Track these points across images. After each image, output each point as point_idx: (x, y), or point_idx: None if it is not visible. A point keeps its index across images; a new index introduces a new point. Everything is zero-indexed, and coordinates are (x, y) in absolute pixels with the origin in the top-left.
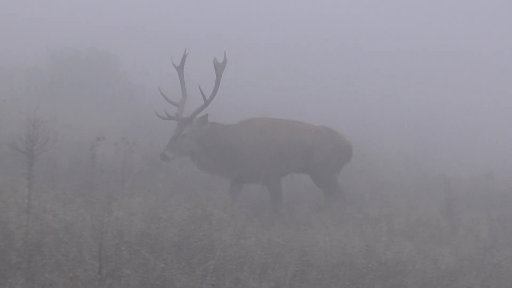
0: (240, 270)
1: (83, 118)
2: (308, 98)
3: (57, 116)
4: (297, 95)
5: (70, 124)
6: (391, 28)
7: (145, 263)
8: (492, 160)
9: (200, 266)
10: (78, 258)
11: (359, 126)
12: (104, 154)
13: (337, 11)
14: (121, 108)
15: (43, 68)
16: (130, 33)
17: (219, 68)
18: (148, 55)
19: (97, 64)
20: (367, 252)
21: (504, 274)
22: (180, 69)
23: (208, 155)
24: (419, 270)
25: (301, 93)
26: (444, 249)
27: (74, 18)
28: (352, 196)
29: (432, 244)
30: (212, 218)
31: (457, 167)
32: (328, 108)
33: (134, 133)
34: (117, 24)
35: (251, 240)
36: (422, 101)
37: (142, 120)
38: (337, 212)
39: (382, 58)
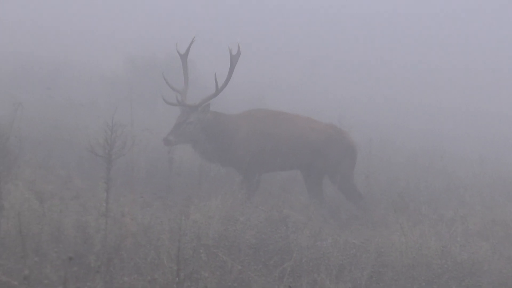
0: (316, 272)
1: (160, 122)
2: (386, 101)
3: (134, 121)
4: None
5: (148, 128)
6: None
7: (222, 265)
8: None
9: (277, 268)
10: (157, 261)
11: (435, 127)
12: (181, 158)
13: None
14: None
15: (120, 73)
16: (206, 38)
17: (233, 59)
18: (223, 60)
19: (173, 69)
20: (442, 253)
21: None
22: (184, 56)
23: (209, 143)
24: (494, 270)
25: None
26: None
27: (151, 25)
28: (428, 197)
29: (508, 244)
30: (288, 220)
31: None
32: (404, 111)
33: None
34: (194, 29)
35: (327, 242)
36: (496, 101)
37: None
38: (412, 213)
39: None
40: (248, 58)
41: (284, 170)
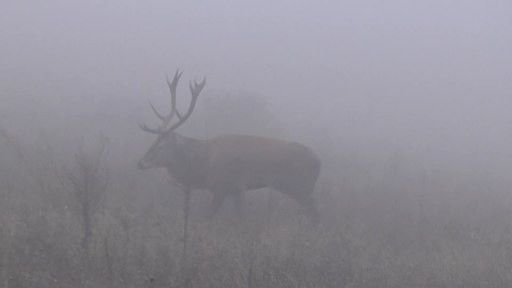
0: None
1: None
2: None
3: None
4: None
5: None
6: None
7: (290, 286)
8: None
9: None
10: (230, 282)
11: (482, 158)
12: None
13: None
14: None
15: (198, 112)
16: (276, 75)
17: (196, 89)
18: (291, 95)
19: (246, 105)
20: (489, 275)
21: None
22: (172, 86)
23: (182, 167)
24: None
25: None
26: None
27: (226, 67)
28: (476, 223)
29: None
30: (350, 245)
31: None
32: (454, 138)
33: None
34: (265, 67)
35: (385, 265)
36: None
37: None
38: (462, 238)
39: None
40: (311, 90)
41: (258, 188)
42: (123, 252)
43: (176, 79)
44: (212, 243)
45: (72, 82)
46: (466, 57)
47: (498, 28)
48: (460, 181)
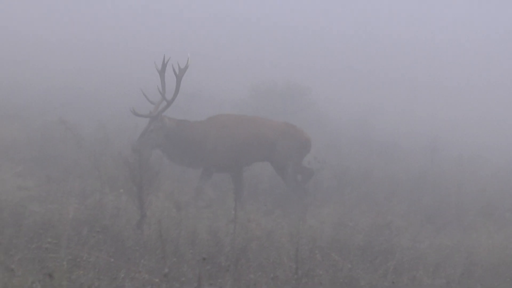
0: (416, 269)
1: None
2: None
3: None
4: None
5: None
6: None
7: (334, 264)
8: None
9: (381, 266)
10: (278, 261)
11: None
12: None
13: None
14: (312, 132)
15: (246, 99)
16: (321, 68)
17: (179, 73)
18: (334, 87)
19: (291, 95)
20: None
21: None
22: (161, 73)
23: (176, 148)
24: None
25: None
26: None
27: (273, 55)
28: (510, 205)
29: None
30: (391, 225)
31: None
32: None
33: (324, 153)
34: (313, 61)
35: (425, 244)
36: None
37: (331, 141)
38: (498, 219)
39: None
40: (355, 82)
41: (249, 165)
42: (176, 233)
43: (164, 65)
44: (260, 224)
45: (127, 77)
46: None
47: None
48: (495, 167)
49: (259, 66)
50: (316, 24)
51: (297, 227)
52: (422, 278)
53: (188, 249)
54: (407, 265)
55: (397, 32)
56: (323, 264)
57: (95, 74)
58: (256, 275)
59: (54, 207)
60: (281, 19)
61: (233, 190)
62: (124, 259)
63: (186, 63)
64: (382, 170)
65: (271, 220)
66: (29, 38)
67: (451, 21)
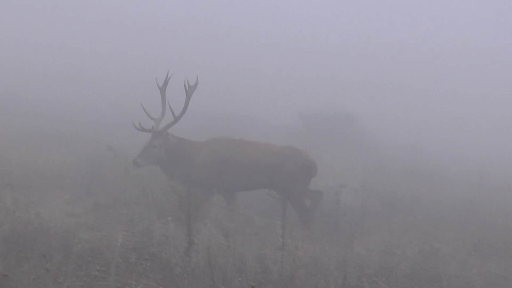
0: None
1: (327, 168)
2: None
3: None
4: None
5: (318, 174)
6: None
7: None
8: None
9: None
10: (324, 287)
11: None
12: (346, 199)
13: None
14: (360, 158)
15: (293, 126)
16: (365, 92)
17: (189, 89)
18: (381, 111)
19: (339, 122)
20: None
21: None
22: (162, 89)
23: (174, 165)
24: None
25: None
26: None
27: (317, 81)
28: None
29: None
30: (438, 253)
31: None
32: None
33: (371, 181)
34: (355, 84)
35: (472, 271)
36: None
37: (378, 169)
38: None
39: None
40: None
41: (251, 190)
42: (224, 260)
43: (166, 82)
44: (308, 251)
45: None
46: None
47: None
48: None
49: (307, 91)
50: (363, 48)
51: (344, 254)
52: None
53: (236, 276)
54: None
55: (445, 56)
56: None
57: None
58: None
59: (102, 234)
60: (329, 44)
61: (281, 218)
62: (172, 287)
63: (196, 80)
64: (429, 197)
65: (318, 248)
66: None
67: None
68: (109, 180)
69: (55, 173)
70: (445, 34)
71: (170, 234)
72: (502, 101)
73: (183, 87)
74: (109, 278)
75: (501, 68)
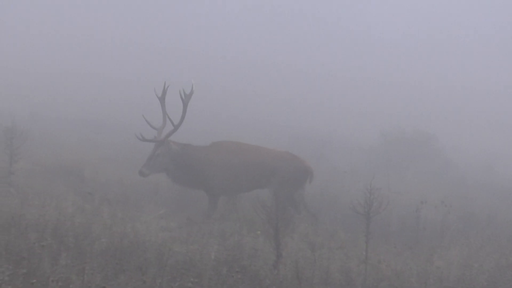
0: None
1: (409, 186)
2: None
3: (389, 185)
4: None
5: (399, 191)
6: None
7: None
8: None
9: None
10: None
11: None
12: (426, 215)
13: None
14: (439, 178)
15: (375, 146)
16: (446, 114)
17: (186, 98)
18: (461, 133)
19: (419, 142)
20: None
21: None
22: (161, 99)
23: (180, 171)
24: None
25: None
26: None
27: (400, 103)
28: None
29: None
30: None
31: None
32: None
33: (450, 198)
34: (436, 106)
35: None
36: None
37: (457, 187)
38: None
39: None
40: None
41: (250, 191)
42: (311, 273)
43: (164, 92)
44: (390, 265)
45: (264, 121)
46: None
47: None
48: None
49: (388, 113)
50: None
51: (425, 267)
52: None
53: (322, 287)
54: None
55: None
56: None
57: (233, 120)
58: None
59: (195, 248)
60: (408, 68)
61: (365, 232)
62: None
63: (191, 89)
64: (505, 214)
65: (400, 261)
66: None
67: None
68: (200, 196)
69: (150, 189)
70: None
71: (260, 247)
72: None
73: (179, 96)
74: None
75: None
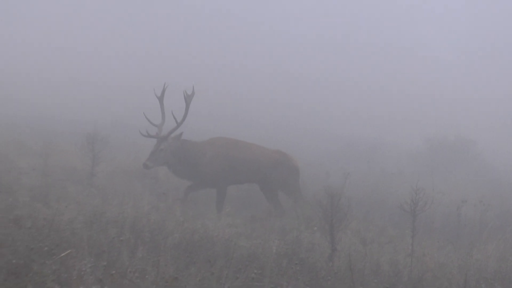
0: None
1: (450, 187)
2: None
3: (433, 186)
4: None
5: (442, 191)
6: None
7: None
8: None
9: None
10: None
11: None
12: (466, 213)
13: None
14: (478, 179)
15: (421, 150)
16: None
17: (188, 98)
18: (499, 139)
19: (459, 147)
20: None
21: None
22: (161, 98)
23: (180, 165)
24: None
25: None
26: None
27: (443, 111)
28: None
29: None
30: None
31: None
32: None
33: (488, 197)
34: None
35: None
36: None
37: (495, 187)
38: None
39: None
40: None
41: (243, 183)
42: (362, 265)
43: (163, 92)
44: (433, 257)
45: (320, 128)
46: None
47: None
48: None
49: (432, 121)
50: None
51: (465, 260)
52: None
53: (372, 279)
54: None
55: None
56: None
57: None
58: None
59: (258, 242)
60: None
61: (411, 228)
62: (318, 287)
63: (192, 90)
64: None
65: (443, 254)
66: None
67: None
68: (263, 196)
69: None
70: None
71: (316, 242)
72: None
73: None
74: (264, 280)
75: None
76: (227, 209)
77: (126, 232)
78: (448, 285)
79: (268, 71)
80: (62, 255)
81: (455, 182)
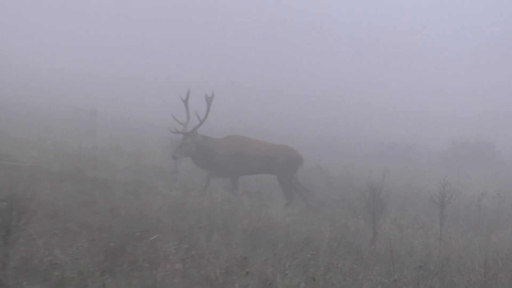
0: None
1: (473, 182)
2: None
3: (458, 181)
4: None
5: (466, 186)
6: None
7: None
8: None
9: None
10: (471, 268)
11: None
12: (485, 204)
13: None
14: (496, 176)
15: (448, 150)
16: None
17: (208, 100)
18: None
19: (480, 148)
20: None
21: None
22: (186, 101)
23: (202, 157)
24: None
25: None
26: None
27: (471, 115)
28: None
29: None
30: None
31: None
32: None
33: (504, 191)
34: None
35: None
36: None
37: (510, 182)
38: None
39: None
40: None
41: (253, 174)
42: (399, 247)
43: (187, 95)
44: (459, 241)
45: (362, 130)
46: None
47: None
48: None
49: (461, 123)
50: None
51: (485, 243)
52: None
53: (408, 258)
54: None
55: None
56: (503, 270)
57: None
58: (455, 278)
59: (313, 228)
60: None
61: (439, 216)
62: (362, 266)
63: (212, 93)
64: None
65: (466, 238)
66: None
67: None
68: (317, 188)
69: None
70: None
71: (361, 228)
72: None
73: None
74: (318, 259)
75: None
76: (286, 201)
77: (203, 220)
78: (470, 264)
79: (310, 86)
80: (151, 239)
81: (476, 178)
